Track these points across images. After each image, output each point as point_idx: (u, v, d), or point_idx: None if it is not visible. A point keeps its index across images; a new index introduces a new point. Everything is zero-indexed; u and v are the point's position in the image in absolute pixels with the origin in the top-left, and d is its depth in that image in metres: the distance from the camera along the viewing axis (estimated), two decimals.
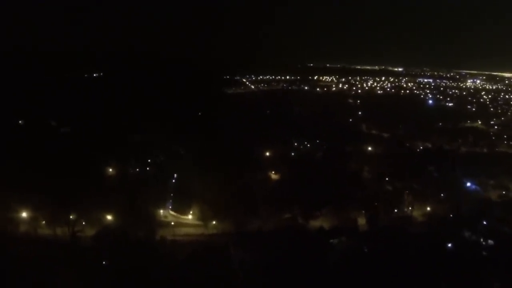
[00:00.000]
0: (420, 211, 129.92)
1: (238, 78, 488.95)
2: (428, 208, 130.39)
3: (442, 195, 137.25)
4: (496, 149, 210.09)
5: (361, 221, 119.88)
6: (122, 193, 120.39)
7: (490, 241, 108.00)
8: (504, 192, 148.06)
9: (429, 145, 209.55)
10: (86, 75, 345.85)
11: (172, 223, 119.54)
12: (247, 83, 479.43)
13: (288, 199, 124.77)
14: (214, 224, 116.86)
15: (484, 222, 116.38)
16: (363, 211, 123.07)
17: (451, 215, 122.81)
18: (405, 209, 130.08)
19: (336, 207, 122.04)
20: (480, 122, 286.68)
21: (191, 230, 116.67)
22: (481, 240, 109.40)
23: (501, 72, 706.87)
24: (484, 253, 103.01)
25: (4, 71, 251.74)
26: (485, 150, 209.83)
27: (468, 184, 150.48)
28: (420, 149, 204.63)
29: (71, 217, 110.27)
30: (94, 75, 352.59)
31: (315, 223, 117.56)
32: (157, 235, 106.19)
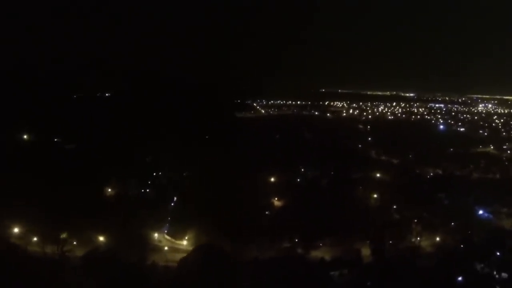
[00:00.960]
0: (429, 241, 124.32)
1: (249, 102, 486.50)
2: (438, 238, 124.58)
3: (452, 224, 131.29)
4: (509, 175, 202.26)
5: (366, 252, 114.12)
6: (119, 214, 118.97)
7: (503, 274, 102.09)
8: None
9: (440, 172, 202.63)
10: (98, 94, 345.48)
11: (166, 248, 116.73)
12: (258, 107, 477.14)
13: (289, 227, 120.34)
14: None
15: (497, 253, 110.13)
16: (368, 241, 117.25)
17: (461, 246, 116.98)
18: (413, 239, 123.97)
19: (339, 236, 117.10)
20: (492, 147, 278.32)
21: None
22: (494, 273, 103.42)
23: None
24: (497, 287, 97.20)
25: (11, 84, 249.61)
26: (497, 176, 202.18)
27: (480, 212, 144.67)
28: (430, 175, 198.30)
29: (62, 235, 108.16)
30: (107, 94, 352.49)
31: (317, 253, 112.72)
32: (149, 260, 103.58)
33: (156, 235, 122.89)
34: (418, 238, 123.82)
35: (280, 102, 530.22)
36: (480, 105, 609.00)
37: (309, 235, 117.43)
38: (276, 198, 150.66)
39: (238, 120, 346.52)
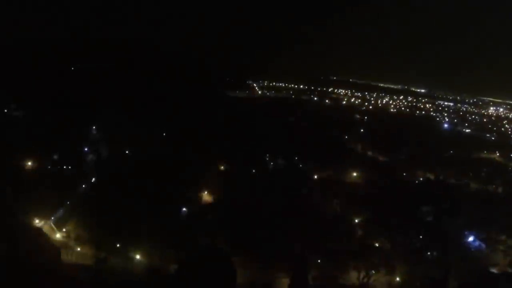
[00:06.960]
0: (385, 279, 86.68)
1: (249, 81, 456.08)
2: (398, 278, 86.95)
3: (428, 253, 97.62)
4: None
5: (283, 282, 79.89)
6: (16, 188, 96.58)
7: None
8: None
9: (432, 177, 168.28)
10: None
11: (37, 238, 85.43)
12: (256, 87, 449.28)
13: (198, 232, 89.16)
14: (79, 252, 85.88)
15: None
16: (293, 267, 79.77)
17: None
18: (362, 275, 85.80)
19: (260, 255, 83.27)
20: (498, 154, 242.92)
21: None
22: None
23: None
24: None
25: None
26: (500, 190, 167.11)
27: (471, 238, 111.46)
28: (419, 180, 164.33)
29: None
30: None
31: None
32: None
33: (37, 221, 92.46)
34: (373, 272, 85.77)
35: (281, 85, 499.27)
36: (491, 108, 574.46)
37: (218, 246, 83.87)
38: (206, 192, 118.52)
39: (228, 99, 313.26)
